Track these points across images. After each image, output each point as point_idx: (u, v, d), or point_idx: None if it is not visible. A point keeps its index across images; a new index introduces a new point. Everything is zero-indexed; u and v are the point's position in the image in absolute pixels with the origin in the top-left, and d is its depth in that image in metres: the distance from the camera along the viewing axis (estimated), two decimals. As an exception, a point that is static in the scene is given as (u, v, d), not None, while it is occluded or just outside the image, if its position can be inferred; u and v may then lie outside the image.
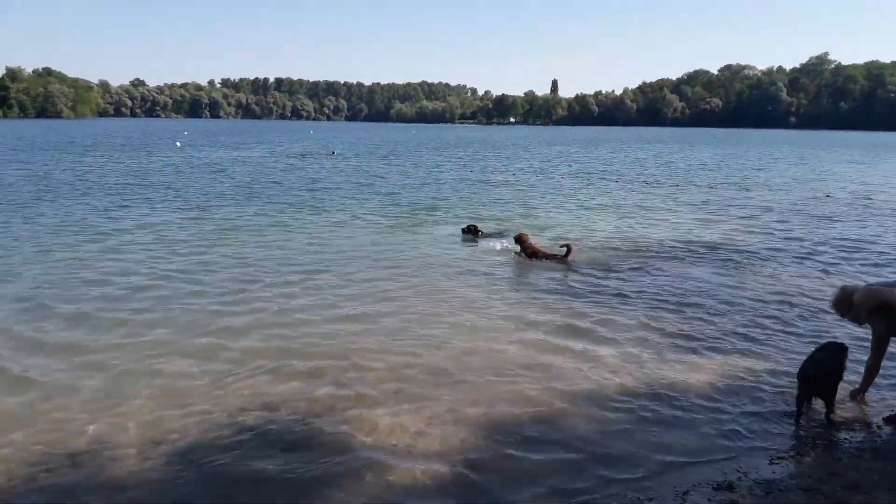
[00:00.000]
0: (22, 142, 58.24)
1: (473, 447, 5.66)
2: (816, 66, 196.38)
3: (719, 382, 7.11)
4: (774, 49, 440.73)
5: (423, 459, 5.44)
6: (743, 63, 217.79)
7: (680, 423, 6.18)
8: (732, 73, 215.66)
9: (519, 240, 13.31)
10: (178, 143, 60.83)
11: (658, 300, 10.30)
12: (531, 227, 16.93)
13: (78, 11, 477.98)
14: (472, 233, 14.59)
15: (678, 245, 14.97)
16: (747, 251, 14.35)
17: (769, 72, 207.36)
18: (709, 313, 9.64)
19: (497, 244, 14.16)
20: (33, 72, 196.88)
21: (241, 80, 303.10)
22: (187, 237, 14.95)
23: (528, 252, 13.04)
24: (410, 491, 5.03)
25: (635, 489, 5.09)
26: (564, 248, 12.91)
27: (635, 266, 12.70)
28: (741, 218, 19.48)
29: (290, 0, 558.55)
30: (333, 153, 50.42)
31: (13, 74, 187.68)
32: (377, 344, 8.11)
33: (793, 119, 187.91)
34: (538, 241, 14.02)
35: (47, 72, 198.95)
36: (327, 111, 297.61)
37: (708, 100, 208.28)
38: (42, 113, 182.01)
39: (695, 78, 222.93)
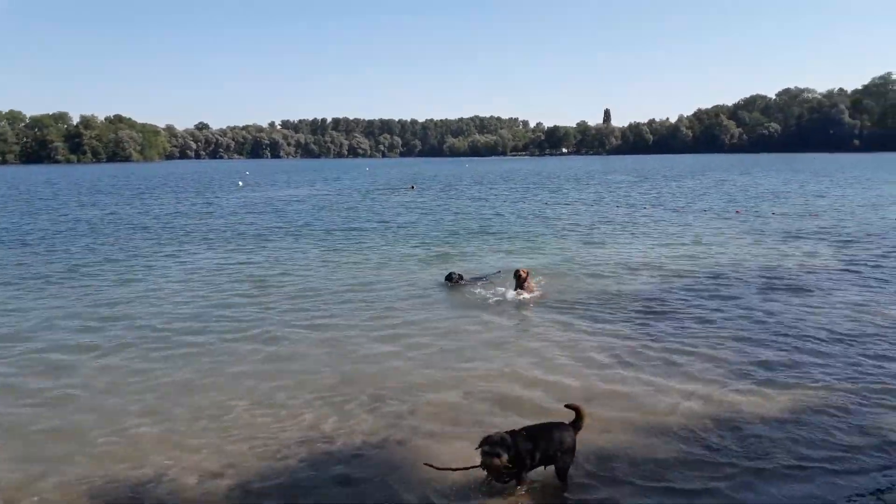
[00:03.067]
0: (115, 184, 60.95)
1: (542, 479, 5.54)
2: (881, 87, 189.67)
3: (792, 409, 6.84)
4: (834, 71, 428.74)
5: (484, 494, 5.35)
6: (802, 86, 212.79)
7: (751, 451, 5.93)
8: (791, 96, 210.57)
9: (518, 276, 12.63)
10: (239, 183, 62.64)
11: (722, 326, 10.03)
12: (592, 259, 16.80)
13: (143, 59, 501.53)
14: (454, 279, 13.50)
15: (743, 273, 14.56)
16: (815, 278, 13.86)
17: (830, 94, 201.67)
18: (783, 340, 9.33)
19: (487, 292, 12.78)
20: (105, 119, 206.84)
21: (299, 121, 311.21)
22: (245, 274, 15.34)
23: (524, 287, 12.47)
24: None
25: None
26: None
27: (697, 293, 12.43)
28: (806, 244, 18.85)
29: (344, 44, 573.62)
30: (413, 187, 51.57)
31: (87, 122, 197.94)
32: (431, 377, 8.11)
33: (856, 142, 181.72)
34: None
35: (118, 118, 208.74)
36: (382, 148, 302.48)
37: (766, 125, 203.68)
38: (113, 157, 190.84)
39: (752, 103, 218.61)
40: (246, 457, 6.08)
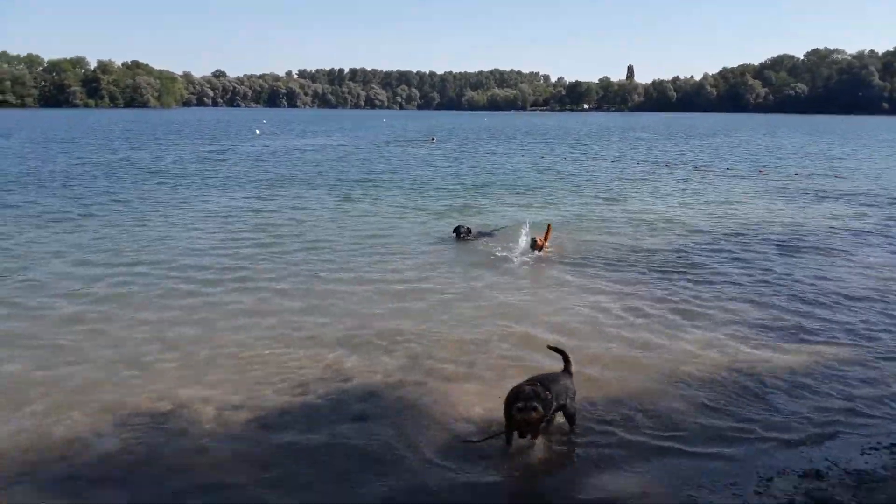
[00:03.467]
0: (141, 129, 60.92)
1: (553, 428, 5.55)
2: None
3: (808, 369, 6.80)
4: (865, 33, 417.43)
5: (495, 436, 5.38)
6: (831, 47, 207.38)
7: (767, 408, 5.91)
8: (819, 57, 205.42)
9: (534, 243, 11.89)
10: (257, 131, 62.50)
11: (740, 285, 9.95)
12: (610, 215, 16.64)
13: (163, 5, 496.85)
14: (462, 233, 13.16)
15: (764, 233, 14.40)
16: (836, 239, 13.66)
17: (860, 56, 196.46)
18: (801, 300, 9.25)
19: (499, 248, 12.31)
20: (122, 64, 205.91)
21: (317, 70, 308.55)
22: (259, 222, 15.39)
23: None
24: (482, 463, 4.98)
25: (717, 473, 4.88)
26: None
27: (716, 252, 12.31)
28: (829, 206, 18.56)
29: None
30: (433, 140, 50.93)
31: (104, 67, 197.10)
32: (448, 323, 8.15)
33: (885, 105, 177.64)
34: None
35: (135, 64, 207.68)
36: (400, 100, 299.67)
37: (793, 85, 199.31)
38: (130, 103, 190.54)
39: (779, 63, 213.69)
40: (264, 392, 6.16)
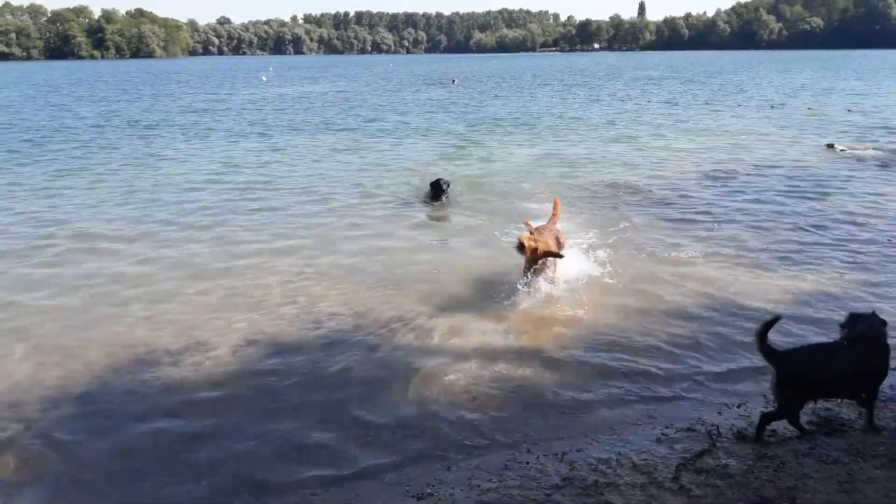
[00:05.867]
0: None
1: (551, 351, 5.73)
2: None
3: (812, 297, 6.92)
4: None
5: (498, 361, 5.58)
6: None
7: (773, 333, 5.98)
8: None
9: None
10: (263, 78, 61.90)
11: (744, 219, 10.02)
12: (616, 154, 16.54)
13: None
14: (436, 191, 11.31)
15: (769, 169, 14.31)
16: (844, 173, 13.57)
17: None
18: (803, 230, 9.36)
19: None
20: (126, 13, 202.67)
21: (322, 14, 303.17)
22: (259, 171, 15.58)
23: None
24: (485, 389, 5.12)
25: (725, 396, 5.02)
26: None
27: (720, 187, 12.30)
28: (838, 141, 18.33)
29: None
30: (453, 81, 51.23)
31: (108, 16, 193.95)
32: (457, 266, 8.22)
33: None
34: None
35: (139, 12, 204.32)
36: (407, 44, 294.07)
37: (808, 19, 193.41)
38: (136, 53, 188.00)
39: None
40: (278, 328, 6.30)
